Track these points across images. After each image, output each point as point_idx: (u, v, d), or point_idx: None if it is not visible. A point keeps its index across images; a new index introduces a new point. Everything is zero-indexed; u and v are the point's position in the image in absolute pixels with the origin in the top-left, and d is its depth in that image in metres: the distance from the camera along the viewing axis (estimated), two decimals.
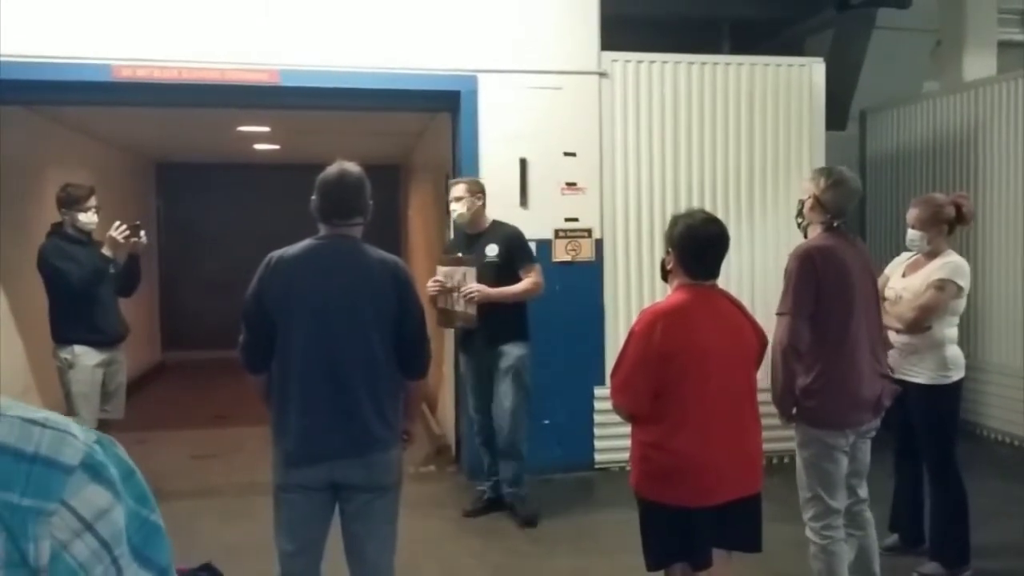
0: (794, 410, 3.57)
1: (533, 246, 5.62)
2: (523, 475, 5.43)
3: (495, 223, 5.44)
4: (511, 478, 5.40)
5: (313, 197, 3.20)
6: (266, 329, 3.14)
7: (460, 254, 5.37)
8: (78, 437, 0.86)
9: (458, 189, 5.39)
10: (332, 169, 3.21)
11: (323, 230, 3.21)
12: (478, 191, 5.39)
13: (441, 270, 5.39)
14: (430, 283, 5.32)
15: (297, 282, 3.13)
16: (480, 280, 5.20)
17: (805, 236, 3.82)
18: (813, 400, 3.52)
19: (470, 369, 5.54)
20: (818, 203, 3.68)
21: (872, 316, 3.68)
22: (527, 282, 5.28)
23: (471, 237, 5.40)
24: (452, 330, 5.80)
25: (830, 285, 3.51)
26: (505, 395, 5.32)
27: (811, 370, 3.52)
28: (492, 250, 5.29)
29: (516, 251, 5.34)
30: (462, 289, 5.19)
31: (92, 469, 0.85)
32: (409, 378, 3.30)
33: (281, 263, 3.15)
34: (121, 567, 0.86)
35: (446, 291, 5.30)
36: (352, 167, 3.21)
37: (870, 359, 3.61)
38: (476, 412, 5.55)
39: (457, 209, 5.35)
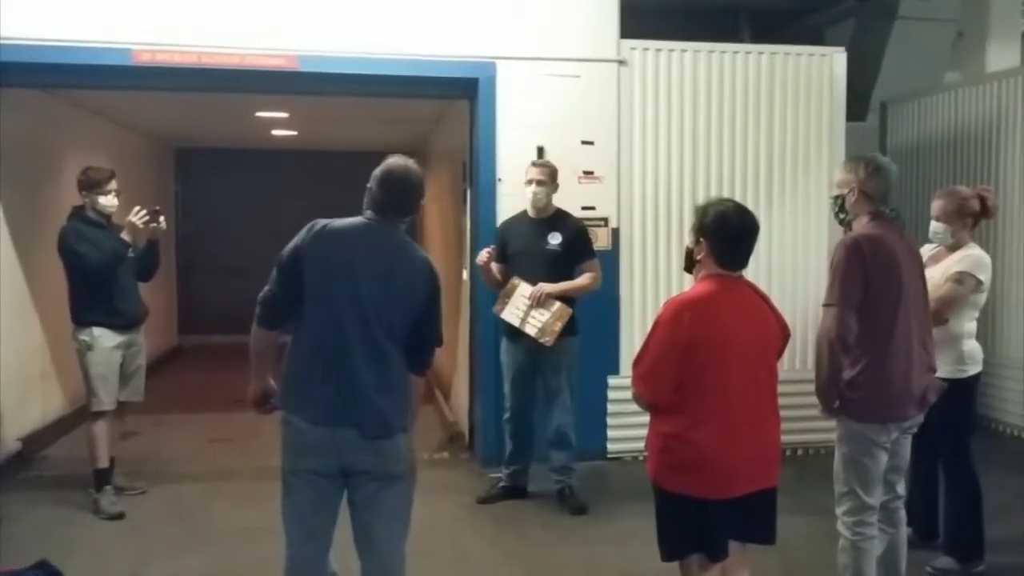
0: (836, 403, 3.49)
1: None
2: (573, 464, 5.45)
3: (559, 211, 5.43)
4: (560, 467, 5.42)
5: (371, 186, 3.15)
6: (295, 285, 3.08)
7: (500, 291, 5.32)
8: None
9: (542, 172, 5.35)
10: (397, 163, 3.15)
11: (372, 219, 3.16)
12: (554, 177, 5.41)
13: (505, 314, 5.24)
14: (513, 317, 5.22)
15: (338, 251, 3.08)
16: (539, 268, 5.21)
17: (849, 230, 3.67)
18: (859, 392, 3.43)
19: (515, 360, 5.40)
20: (863, 194, 3.57)
21: (920, 307, 3.57)
22: (587, 277, 5.31)
23: (535, 222, 5.37)
24: (468, 323, 5.77)
25: (878, 275, 3.40)
26: (559, 388, 5.35)
27: (858, 362, 3.43)
28: (555, 239, 5.29)
29: (581, 244, 5.37)
30: (529, 296, 5.15)
31: None
32: (413, 372, 3.25)
33: (326, 230, 3.10)
34: None
35: (527, 316, 5.19)
36: (415, 165, 3.17)
37: (919, 351, 3.51)
38: (515, 404, 5.45)
39: (538, 193, 5.31)
